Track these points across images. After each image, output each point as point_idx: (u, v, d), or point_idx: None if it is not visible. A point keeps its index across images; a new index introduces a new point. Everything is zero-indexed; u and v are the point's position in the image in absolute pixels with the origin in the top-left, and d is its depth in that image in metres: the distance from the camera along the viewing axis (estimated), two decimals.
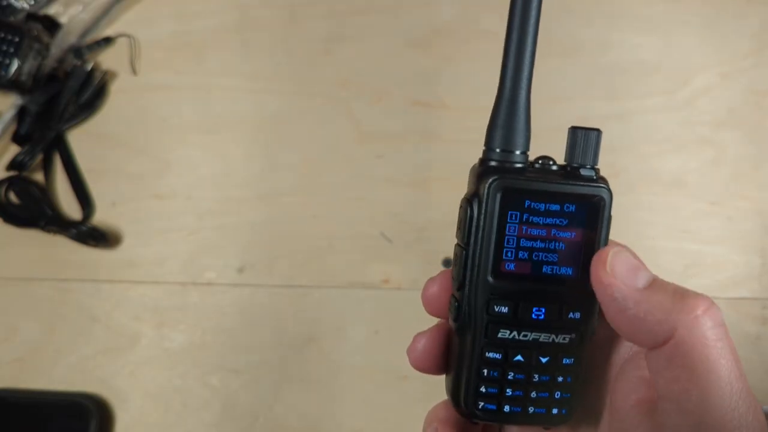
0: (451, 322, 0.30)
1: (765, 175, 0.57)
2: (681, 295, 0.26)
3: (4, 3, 0.61)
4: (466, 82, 0.59)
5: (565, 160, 0.29)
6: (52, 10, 0.63)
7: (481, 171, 0.28)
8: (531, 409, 0.29)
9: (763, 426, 0.24)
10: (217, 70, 0.62)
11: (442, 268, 0.31)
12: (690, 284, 0.57)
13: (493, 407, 0.29)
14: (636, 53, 0.58)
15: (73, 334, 0.61)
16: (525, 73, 0.28)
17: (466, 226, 0.28)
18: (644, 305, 0.25)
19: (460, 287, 0.29)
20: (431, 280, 0.31)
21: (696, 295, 0.26)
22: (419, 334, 0.31)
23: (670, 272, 0.57)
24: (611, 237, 0.29)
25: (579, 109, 0.58)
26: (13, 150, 0.62)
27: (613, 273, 0.26)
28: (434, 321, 0.32)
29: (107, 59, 0.63)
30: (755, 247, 0.57)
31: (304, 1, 0.61)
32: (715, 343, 0.24)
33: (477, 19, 0.60)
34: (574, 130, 0.28)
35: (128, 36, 0.62)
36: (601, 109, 0.58)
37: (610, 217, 0.28)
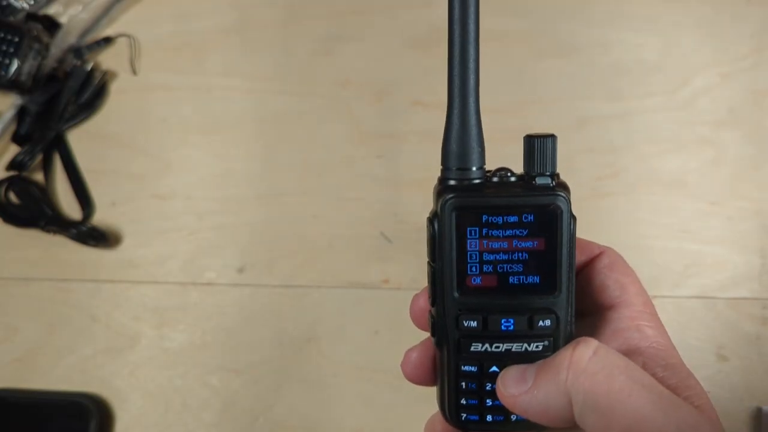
0: (431, 337, 0.30)
1: (765, 175, 0.57)
2: (555, 366, 0.26)
3: (4, 3, 0.61)
4: None
5: (523, 170, 0.29)
6: (52, 10, 0.63)
7: (440, 190, 0.29)
8: (513, 417, 0.29)
9: (683, 419, 0.24)
10: (217, 70, 0.62)
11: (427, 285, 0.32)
12: (690, 284, 0.57)
13: (476, 418, 0.29)
14: (636, 53, 0.58)
15: (73, 334, 0.61)
16: (472, 90, 0.29)
17: (430, 245, 0.29)
18: (539, 401, 0.26)
19: (433, 303, 0.29)
20: (417, 295, 0.32)
21: (559, 356, 0.26)
22: (410, 349, 0.31)
23: (670, 272, 0.57)
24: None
25: (579, 109, 0.58)
26: (13, 150, 0.62)
27: (507, 388, 0.27)
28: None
29: (107, 59, 0.63)
30: (755, 247, 0.57)
31: (304, 1, 0.61)
32: (603, 378, 0.25)
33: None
34: (529, 139, 0.28)
35: (128, 36, 0.62)
36: (601, 109, 0.58)
37: (572, 221, 0.28)
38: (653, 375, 0.26)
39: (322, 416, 0.59)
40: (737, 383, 0.56)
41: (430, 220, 0.29)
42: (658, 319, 0.29)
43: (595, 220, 0.56)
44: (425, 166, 0.59)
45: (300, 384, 0.59)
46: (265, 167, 0.61)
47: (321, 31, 0.61)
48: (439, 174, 0.30)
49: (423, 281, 0.31)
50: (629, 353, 0.27)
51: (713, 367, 0.56)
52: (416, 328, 0.32)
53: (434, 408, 0.32)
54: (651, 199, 0.58)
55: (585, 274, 0.30)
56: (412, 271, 0.58)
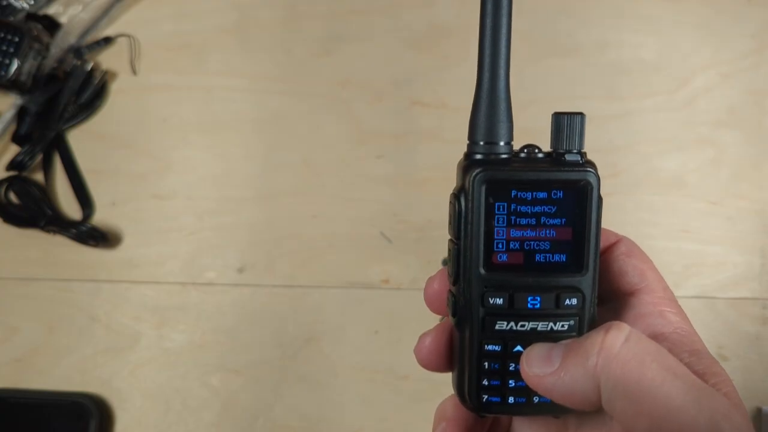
0: (450, 318, 0.30)
1: (765, 175, 0.57)
2: (585, 349, 0.26)
3: (4, 3, 0.61)
4: (466, 82, 0.58)
5: (550, 147, 0.28)
6: (52, 10, 0.63)
7: (466, 165, 0.28)
8: (536, 399, 0.28)
9: (716, 408, 0.24)
10: (217, 70, 0.62)
11: (441, 268, 0.32)
12: (690, 284, 0.57)
13: (498, 399, 0.29)
14: (636, 53, 0.58)
15: (73, 334, 0.61)
16: (502, 64, 0.28)
17: (455, 221, 0.28)
18: (566, 383, 0.26)
19: (455, 282, 0.29)
20: (431, 278, 0.31)
21: (590, 340, 0.26)
22: (424, 334, 0.31)
23: (670, 272, 0.57)
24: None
25: (579, 109, 0.58)
26: (13, 150, 0.62)
27: (531, 368, 0.27)
28: (432, 319, 0.32)
29: (107, 59, 0.63)
30: (755, 247, 0.57)
31: (304, 1, 0.61)
32: (634, 365, 0.24)
33: (477, 18, 0.59)
34: (557, 116, 0.28)
35: (128, 36, 0.62)
36: (601, 109, 0.58)
37: (600, 200, 0.28)
38: (680, 361, 0.26)
39: (322, 416, 0.59)
40: (737, 383, 0.55)
41: (456, 196, 0.28)
42: (679, 305, 0.29)
43: None
44: (425, 166, 0.59)
45: (300, 384, 0.59)
46: (265, 167, 0.61)
47: (321, 31, 0.61)
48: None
49: (423, 281, 0.31)
50: (653, 339, 0.27)
51: None
52: (416, 328, 0.32)
53: (434, 406, 0.32)
54: (651, 199, 0.58)
55: (603, 261, 0.30)
56: (412, 271, 0.58)
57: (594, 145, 0.58)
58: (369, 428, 0.58)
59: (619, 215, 0.57)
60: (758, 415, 0.55)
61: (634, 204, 0.58)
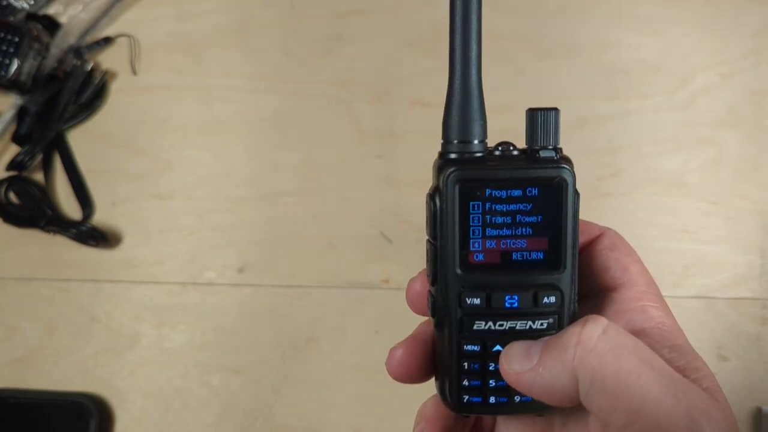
0: (430, 318, 0.30)
1: (765, 175, 0.57)
2: (562, 344, 0.25)
3: (4, 3, 0.61)
4: None
5: (525, 144, 0.28)
6: (52, 10, 0.63)
7: (440, 164, 0.28)
8: (517, 398, 0.28)
9: (693, 402, 0.24)
10: (217, 70, 0.62)
11: (423, 269, 0.32)
12: (690, 284, 0.57)
13: (479, 399, 0.29)
14: (636, 53, 0.58)
15: (73, 334, 0.61)
16: (473, 62, 0.28)
17: (431, 221, 0.28)
18: (544, 379, 0.26)
19: (434, 282, 0.29)
20: (413, 279, 0.31)
21: (567, 334, 0.26)
22: (394, 347, 0.30)
23: (670, 272, 0.57)
24: (596, 221, 0.29)
25: (579, 109, 0.58)
26: (13, 150, 0.62)
27: (511, 365, 0.26)
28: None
29: (107, 59, 0.63)
30: (755, 247, 0.57)
31: (304, 1, 0.61)
32: (611, 358, 0.24)
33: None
34: (531, 112, 0.28)
35: (128, 36, 0.62)
36: (601, 109, 0.58)
37: (576, 196, 0.27)
38: (659, 356, 0.25)
39: (322, 416, 0.59)
40: (737, 383, 0.56)
41: (431, 196, 0.28)
42: (663, 299, 0.29)
43: (595, 221, 0.56)
44: (425, 166, 0.59)
45: (300, 384, 0.59)
46: (265, 167, 0.61)
47: (321, 31, 0.61)
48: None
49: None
50: (634, 335, 0.27)
51: (713, 367, 0.56)
52: (415, 326, 0.32)
53: None
54: (651, 199, 0.58)
55: (586, 255, 0.30)
56: (412, 271, 0.58)
57: (594, 145, 0.58)
58: (369, 428, 0.58)
59: (619, 215, 0.57)
60: (758, 415, 0.55)
61: (634, 204, 0.57)
